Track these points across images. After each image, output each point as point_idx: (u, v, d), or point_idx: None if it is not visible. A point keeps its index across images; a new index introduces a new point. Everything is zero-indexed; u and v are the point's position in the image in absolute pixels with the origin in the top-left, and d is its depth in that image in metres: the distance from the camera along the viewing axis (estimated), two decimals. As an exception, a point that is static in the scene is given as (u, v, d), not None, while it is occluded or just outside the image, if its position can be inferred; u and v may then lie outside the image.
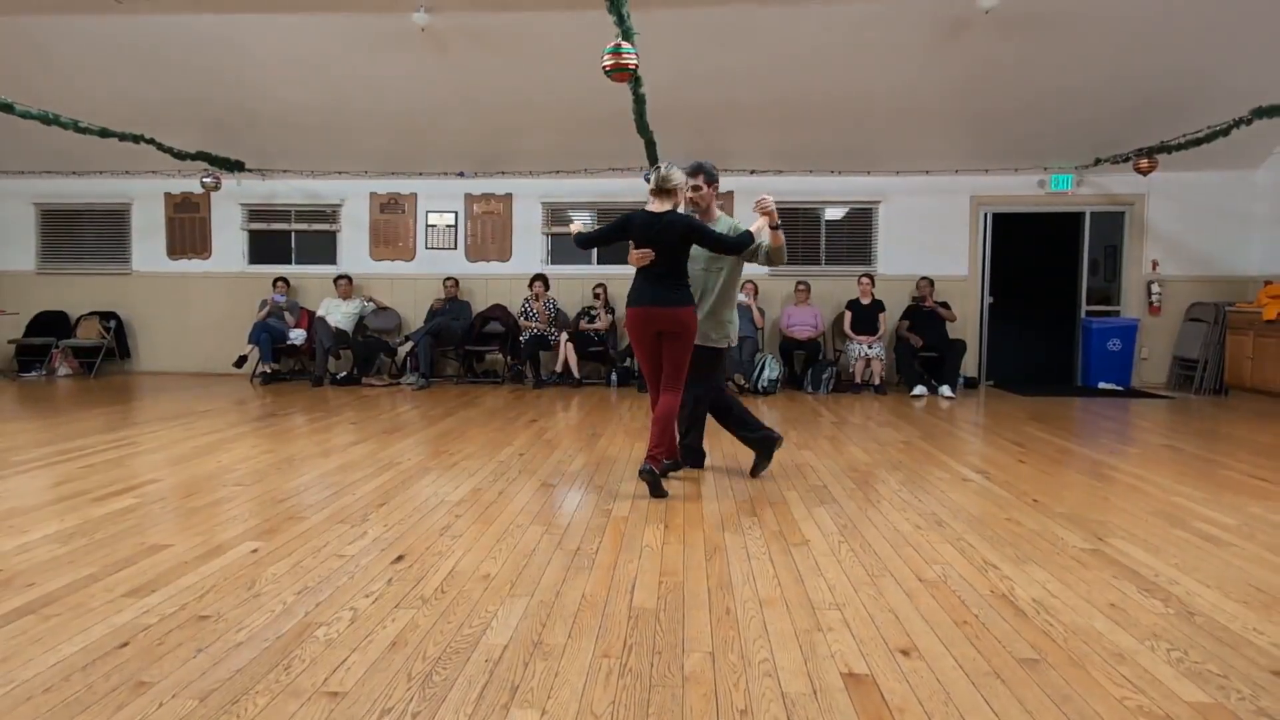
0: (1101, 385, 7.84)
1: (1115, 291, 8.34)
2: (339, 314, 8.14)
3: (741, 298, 7.85)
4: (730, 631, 2.10)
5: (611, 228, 3.62)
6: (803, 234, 8.50)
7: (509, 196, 8.64)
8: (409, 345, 8.01)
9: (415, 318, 8.51)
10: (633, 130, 6.33)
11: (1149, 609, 2.30)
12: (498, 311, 8.35)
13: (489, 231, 8.69)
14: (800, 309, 7.99)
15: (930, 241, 8.21)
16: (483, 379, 8.27)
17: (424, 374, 7.72)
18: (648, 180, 8.00)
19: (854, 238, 8.47)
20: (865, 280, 7.87)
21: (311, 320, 8.21)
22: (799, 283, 8.07)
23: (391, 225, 8.76)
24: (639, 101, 5.28)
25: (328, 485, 3.66)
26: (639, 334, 3.56)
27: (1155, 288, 8.02)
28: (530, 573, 2.53)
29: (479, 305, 8.48)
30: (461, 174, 8.49)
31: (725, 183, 8.33)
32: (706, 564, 2.64)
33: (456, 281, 8.38)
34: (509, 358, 8.22)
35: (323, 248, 8.88)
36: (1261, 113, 5.64)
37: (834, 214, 8.52)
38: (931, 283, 7.86)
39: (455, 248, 8.71)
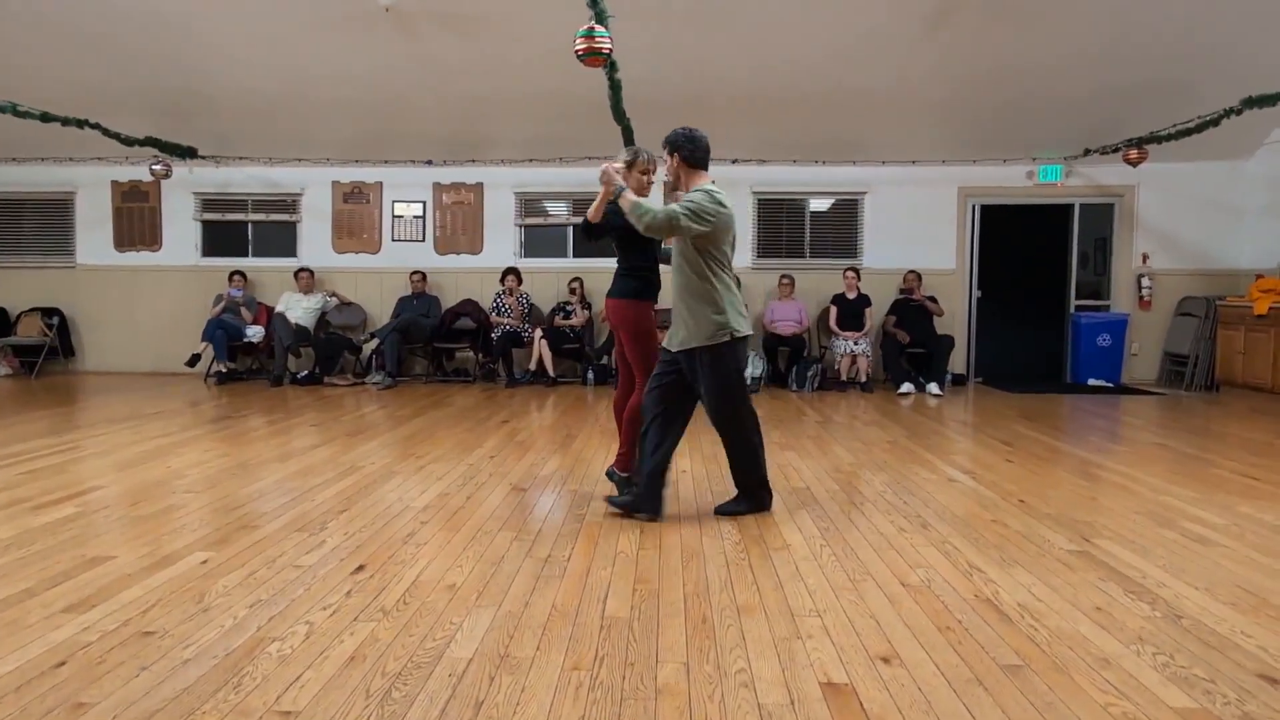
0: (1091, 382, 7.97)
1: (1105, 285, 8.48)
2: (299, 310, 8.05)
3: None
4: (706, 641, 2.11)
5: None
6: (787, 226, 8.54)
7: (480, 186, 8.58)
8: (374, 342, 7.94)
9: (381, 313, 8.43)
10: (609, 119, 6.31)
11: (1136, 612, 2.34)
12: (468, 307, 8.30)
13: (459, 223, 8.63)
14: (784, 304, 8.03)
15: (917, 234, 8.29)
16: (452, 378, 8.22)
17: (390, 373, 7.66)
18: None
19: (839, 230, 8.52)
20: (851, 274, 7.92)
21: (270, 316, 8.11)
22: (783, 276, 8.11)
23: (355, 216, 8.67)
24: (615, 88, 5.27)
25: (285, 491, 3.61)
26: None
27: (1145, 281, 8.16)
28: (498, 582, 2.52)
29: (448, 300, 8.43)
30: (430, 162, 8.42)
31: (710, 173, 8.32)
32: (683, 570, 2.64)
33: (424, 275, 8.31)
34: (480, 355, 8.18)
35: (282, 240, 8.76)
36: (1252, 102, 5.75)
37: (819, 205, 8.57)
38: (919, 276, 7.93)
39: (423, 240, 8.64)
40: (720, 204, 3.22)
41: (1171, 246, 8.18)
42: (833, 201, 8.53)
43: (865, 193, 8.38)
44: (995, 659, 2.03)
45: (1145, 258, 8.20)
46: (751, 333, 3.35)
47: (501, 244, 8.59)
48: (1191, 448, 4.85)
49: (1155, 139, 6.92)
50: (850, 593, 2.46)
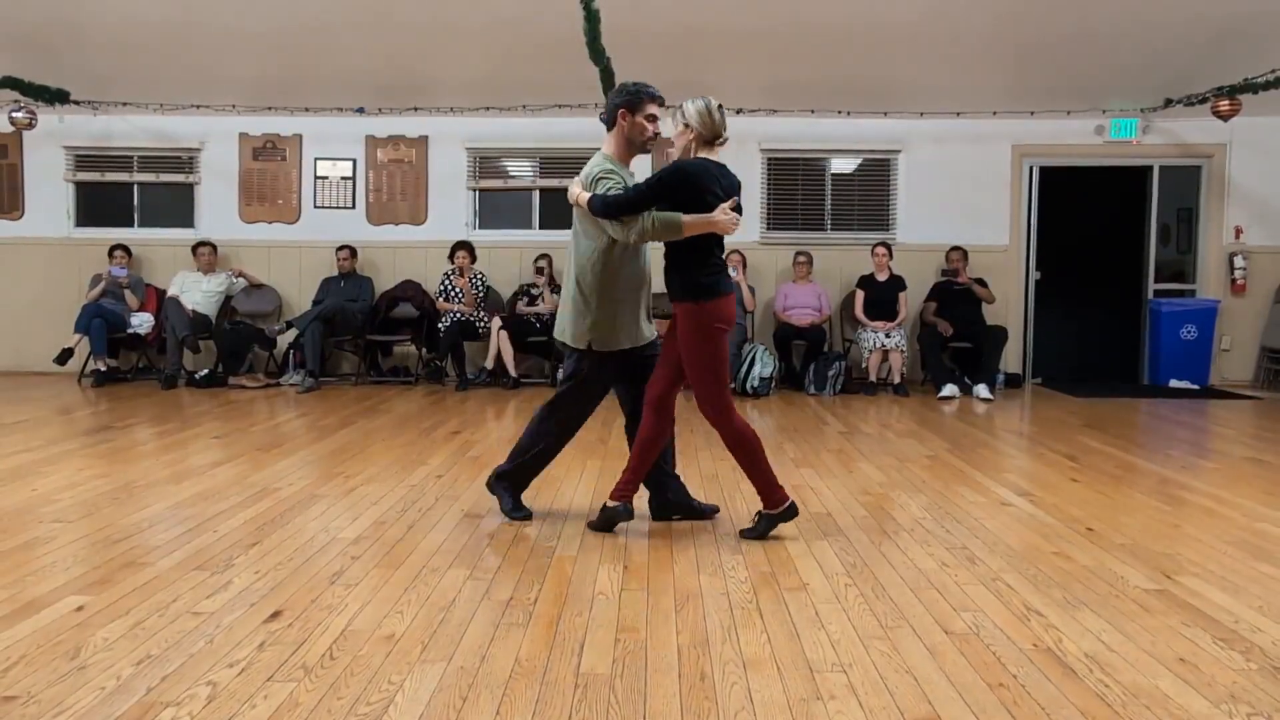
0: (1173, 383, 8.07)
1: (1190, 266, 8.58)
2: (198, 293, 8.00)
3: (730, 271, 7.89)
4: (705, 703, 2.12)
5: (679, 182, 3.27)
6: (804, 192, 8.57)
7: (423, 140, 8.56)
8: (291, 334, 7.90)
9: (300, 298, 8.39)
10: (584, 57, 6.31)
11: (1226, 663, 2.37)
12: (409, 290, 8.28)
13: (398, 186, 8.60)
14: (800, 287, 8.07)
15: (962, 202, 8.35)
16: (390, 378, 8.20)
17: (312, 372, 7.63)
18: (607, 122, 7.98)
19: (868, 197, 8.56)
20: (882, 251, 7.97)
21: (160, 302, 8.04)
22: (798, 254, 8.14)
23: (268, 177, 8.61)
24: (591, 20, 5.28)
25: (181, 520, 3.59)
26: (730, 323, 3.40)
27: (1239, 261, 8.27)
28: (448, 631, 2.51)
29: (385, 282, 8.40)
30: (361, 110, 8.38)
31: (704, 125, 8.34)
32: (676, 616, 2.65)
33: (354, 251, 8.28)
34: (424, 350, 8.16)
35: (176, 206, 8.70)
36: (1367, 44, 5.84)
37: (842, 166, 8.61)
38: (965, 254, 7.99)
39: (353, 207, 8.61)
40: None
41: (1271, 219, 8.30)
42: (859, 162, 8.57)
43: (899, 151, 8.43)
44: (1058, 722, 2.05)
45: (1239, 232, 8.31)
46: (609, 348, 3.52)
47: (451, 212, 8.57)
48: (1294, 463, 4.93)
49: (1250, 88, 7.01)
50: (882, 642, 2.48)
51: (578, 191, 3.44)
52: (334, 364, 8.41)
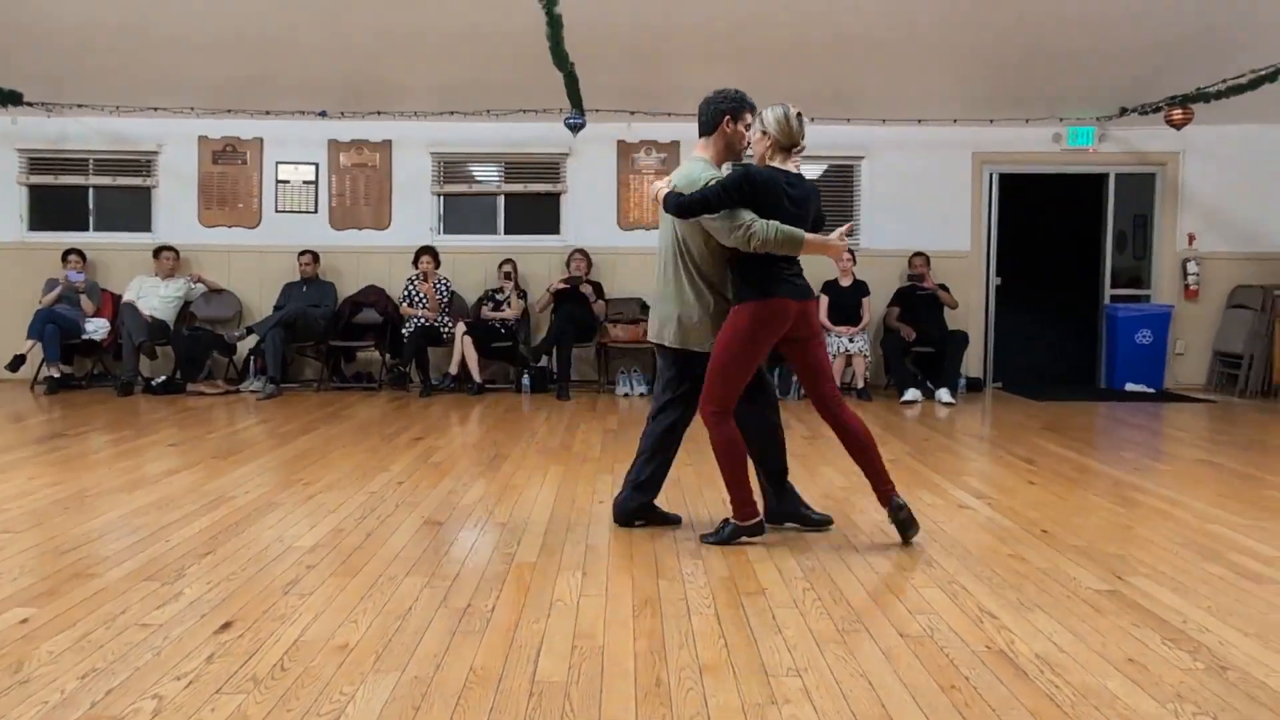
0: (1129, 387, 8.21)
1: (1145, 272, 8.74)
2: (155, 299, 7.88)
3: None
4: (661, 709, 2.11)
5: (750, 190, 3.30)
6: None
7: (387, 144, 8.50)
8: (252, 340, 7.80)
9: (261, 304, 8.29)
10: (548, 62, 6.30)
11: (1174, 663, 2.41)
12: (373, 296, 8.21)
13: (361, 190, 8.53)
14: (764, 293, 8.09)
15: (924, 208, 8.45)
16: (353, 384, 8.12)
17: (273, 378, 7.53)
18: (573, 127, 7.98)
19: (832, 203, 8.61)
20: (845, 257, 8.02)
21: (116, 307, 7.91)
22: (762, 259, 8.17)
23: (228, 181, 8.50)
24: (553, 25, 5.27)
25: (133, 530, 3.53)
26: (776, 332, 3.40)
27: (1192, 267, 8.44)
28: (403, 640, 2.49)
29: (348, 287, 8.33)
30: (323, 114, 8.30)
31: (671, 130, 8.39)
32: (634, 622, 2.65)
33: (316, 256, 8.20)
34: (387, 356, 8.09)
35: (133, 210, 8.56)
36: (1312, 55, 6.00)
37: (807, 172, 8.63)
38: (927, 260, 8.08)
39: (315, 211, 8.53)
40: None
41: (1223, 226, 8.47)
42: (824, 168, 8.63)
43: (862, 158, 8.51)
44: (1008, 724, 2.07)
45: (1192, 239, 8.49)
46: (660, 342, 3.59)
47: (415, 217, 8.52)
48: (1244, 465, 5.03)
49: (1203, 97, 7.16)
50: (838, 646, 2.50)
51: (661, 185, 3.48)
52: (296, 370, 8.32)
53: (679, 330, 3.50)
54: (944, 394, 7.50)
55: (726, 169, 3.54)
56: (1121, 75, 7.61)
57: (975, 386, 8.25)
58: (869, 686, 2.25)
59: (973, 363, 8.39)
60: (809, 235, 3.38)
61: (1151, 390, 8.15)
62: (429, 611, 2.70)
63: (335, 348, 8.09)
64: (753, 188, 3.31)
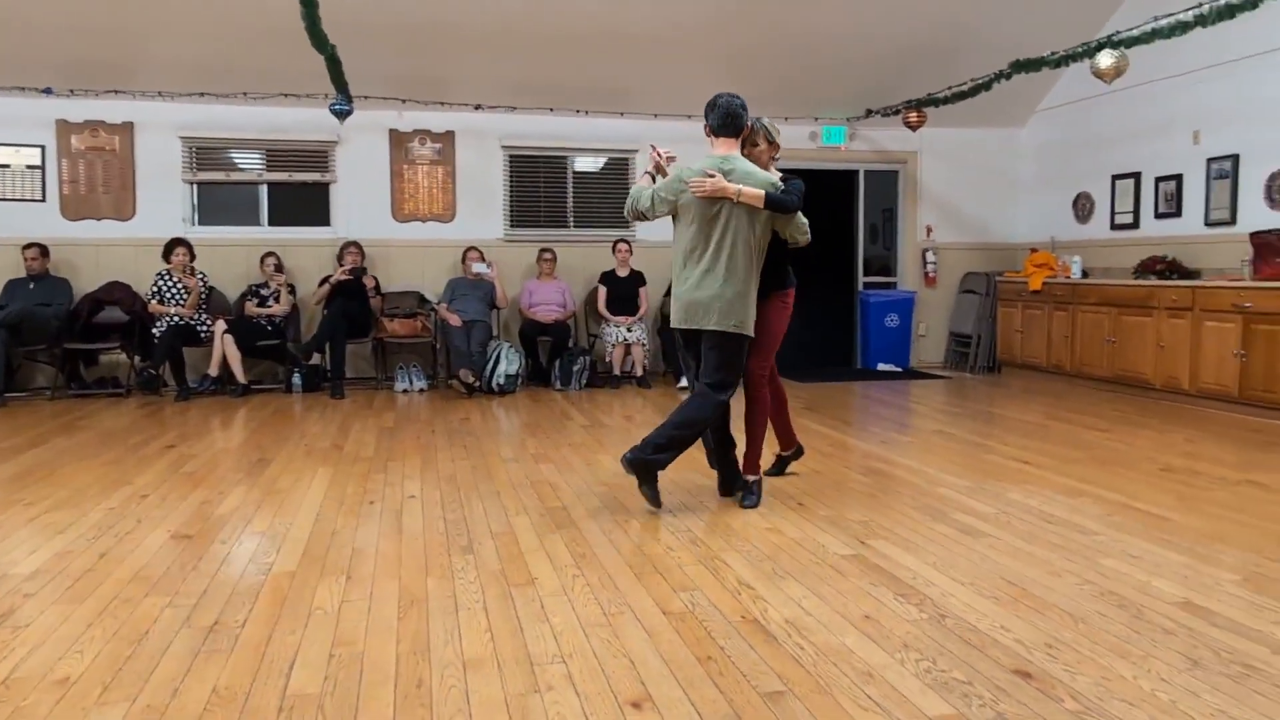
0: (880, 367, 8.94)
1: (893, 261, 9.54)
2: None
3: (480, 268, 7.78)
4: (421, 710, 2.07)
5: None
6: (546, 190, 8.64)
7: (128, 127, 7.75)
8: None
9: (-22, 303, 7.31)
10: (308, 44, 5.96)
11: (903, 616, 2.65)
12: (117, 292, 7.47)
13: (99, 177, 7.73)
14: (545, 284, 8.12)
15: (696, 201, 8.73)
16: (97, 390, 7.35)
17: (-6, 387, 6.67)
18: (338, 114, 7.59)
19: (609, 195, 8.76)
20: (623, 248, 8.19)
21: None
22: (543, 251, 8.19)
23: (-70, 164, 7.42)
24: (308, 4, 4.99)
25: None
26: None
27: (930, 256, 9.30)
28: (136, 666, 2.29)
29: (85, 284, 7.52)
30: (49, 91, 7.42)
31: (445, 119, 8.20)
32: (398, 624, 2.58)
33: (45, 250, 7.33)
34: (137, 358, 7.39)
35: None
36: (1020, 66, 6.75)
37: (585, 164, 8.75)
38: (698, 251, 8.37)
39: (43, 199, 7.63)
40: (679, 177, 3.85)
41: (954, 218, 9.39)
42: (602, 161, 8.75)
43: (636, 151, 8.69)
44: (756, 687, 2.19)
45: (929, 230, 9.35)
46: (675, 325, 3.92)
47: (164, 207, 7.83)
48: (972, 434, 5.61)
49: (933, 101, 7.89)
50: (604, 629, 2.55)
51: (723, 183, 3.71)
52: (26, 377, 7.41)
53: (746, 315, 3.81)
54: (718, 379, 7.83)
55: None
56: (868, 80, 8.24)
57: (747, 371, 8.67)
58: (630, 665, 2.31)
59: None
60: None
61: (899, 369, 8.91)
62: (169, 633, 2.50)
63: (72, 351, 7.28)
64: None
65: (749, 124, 3.93)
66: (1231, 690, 2.18)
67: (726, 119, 3.85)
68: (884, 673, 2.28)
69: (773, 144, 4.04)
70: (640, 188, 4.00)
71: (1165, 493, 4.08)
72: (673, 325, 3.93)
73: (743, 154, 3.93)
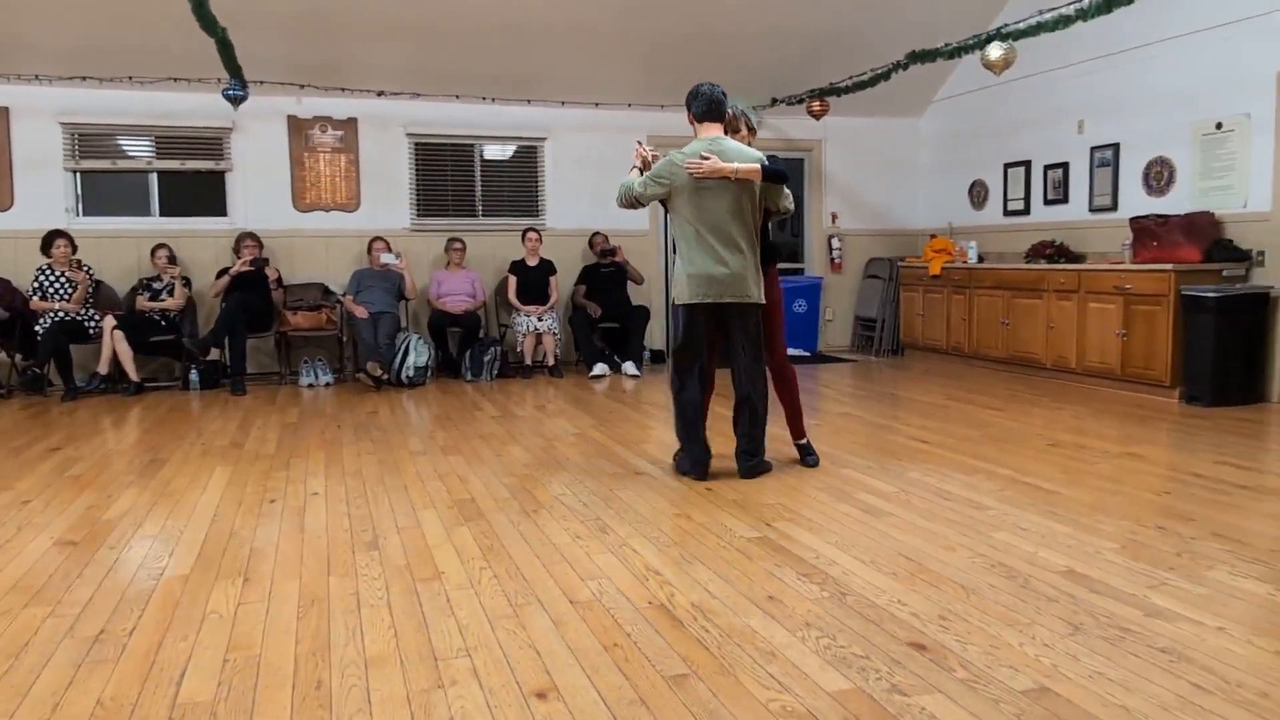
0: (790, 351, 9.06)
1: (801, 247, 9.71)
2: None
3: (388, 258, 7.60)
4: (320, 711, 2.03)
5: None
6: (454, 178, 8.50)
7: (3, 112, 7.32)
8: None
9: None
10: (196, 26, 5.72)
11: (805, 595, 2.71)
12: (-6, 288, 7.05)
13: (-31, 165, 7.27)
14: (454, 274, 8.00)
15: (605, 189, 8.69)
16: (-27, 392, 6.94)
17: None
18: (232, 99, 7.32)
19: (518, 184, 8.68)
20: (533, 236, 8.12)
21: None
22: (452, 240, 8.06)
23: None
24: (194, -16, 4.79)
25: None
26: None
27: (836, 243, 9.51)
28: (14, 680, 2.17)
29: (-43, 279, 7.08)
30: (-89, 73, 6.95)
31: (347, 106, 7.99)
32: (297, 625, 2.51)
33: (-88, 242, 6.87)
34: (17, 357, 7.01)
35: None
36: (916, 57, 6.93)
37: (494, 153, 8.64)
38: (606, 238, 8.38)
39: (-93, 189, 7.14)
40: (673, 162, 4.06)
41: (858, 206, 9.61)
42: (510, 149, 8.66)
43: (545, 139, 8.63)
44: (661, 671, 2.22)
45: (835, 217, 9.55)
46: (696, 300, 4.10)
47: (44, 197, 7.42)
48: (874, 415, 5.77)
49: (835, 91, 8.04)
50: (510, 621, 2.53)
51: (719, 163, 3.94)
52: (-107, 379, 6.95)
53: (761, 286, 4.12)
54: (630, 367, 7.87)
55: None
56: (775, 68, 8.33)
57: (658, 359, 8.72)
58: (536, 656, 2.31)
59: (655, 336, 8.87)
60: None
61: (808, 353, 9.09)
62: (50, 645, 2.38)
63: (-54, 350, 6.85)
64: None
65: (729, 110, 4.19)
66: (1108, 653, 2.30)
67: (711, 105, 4.14)
68: (786, 651, 2.33)
69: (752, 130, 4.41)
70: (631, 178, 4.26)
71: (1053, 467, 4.28)
72: (690, 301, 4.09)
73: None
